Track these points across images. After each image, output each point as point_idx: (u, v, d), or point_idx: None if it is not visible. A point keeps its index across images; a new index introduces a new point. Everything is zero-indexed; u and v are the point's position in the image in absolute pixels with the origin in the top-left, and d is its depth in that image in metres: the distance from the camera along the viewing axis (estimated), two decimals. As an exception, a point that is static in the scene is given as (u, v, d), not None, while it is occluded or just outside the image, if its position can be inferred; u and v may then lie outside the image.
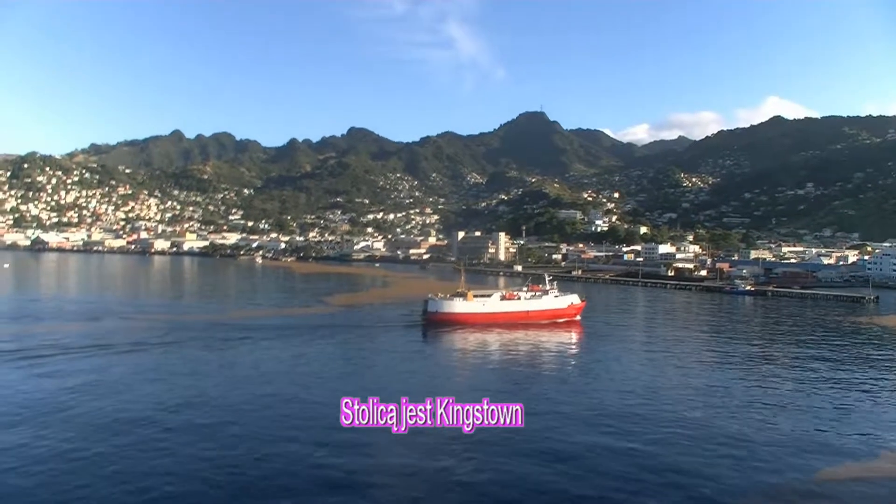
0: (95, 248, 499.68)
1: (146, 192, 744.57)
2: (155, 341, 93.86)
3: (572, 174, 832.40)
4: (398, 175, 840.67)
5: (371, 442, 49.45)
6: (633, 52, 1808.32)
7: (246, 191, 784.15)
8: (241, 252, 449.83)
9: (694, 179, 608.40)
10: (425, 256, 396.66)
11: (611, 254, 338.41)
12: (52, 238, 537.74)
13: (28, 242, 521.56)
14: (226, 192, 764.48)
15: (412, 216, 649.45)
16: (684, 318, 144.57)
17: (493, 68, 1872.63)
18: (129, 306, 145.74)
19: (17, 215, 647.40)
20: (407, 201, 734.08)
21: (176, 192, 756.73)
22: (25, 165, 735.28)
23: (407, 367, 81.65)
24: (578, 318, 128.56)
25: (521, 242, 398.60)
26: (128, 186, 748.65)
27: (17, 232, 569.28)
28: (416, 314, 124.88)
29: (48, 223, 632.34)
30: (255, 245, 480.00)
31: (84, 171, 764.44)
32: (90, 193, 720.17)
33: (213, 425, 53.54)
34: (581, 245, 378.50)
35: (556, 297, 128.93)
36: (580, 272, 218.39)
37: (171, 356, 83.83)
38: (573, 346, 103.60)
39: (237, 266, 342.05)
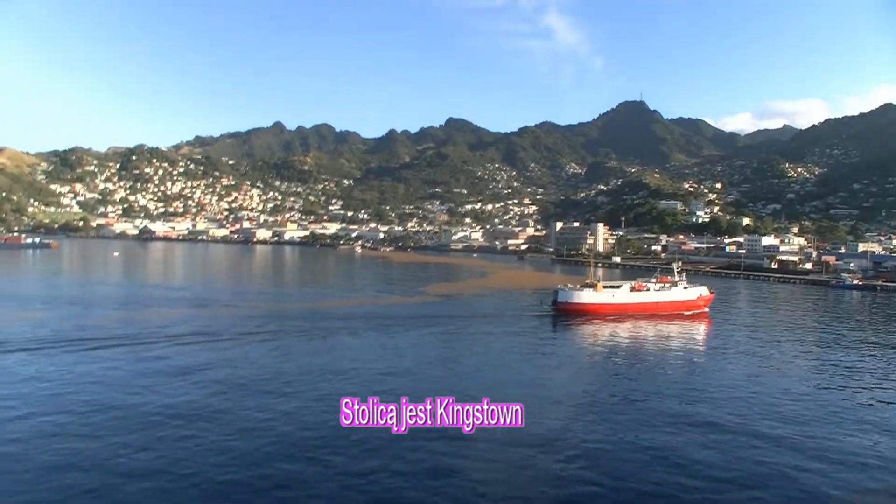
0: (200, 238, 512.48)
1: (249, 182, 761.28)
2: (257, 330, 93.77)
3: (673, 164, 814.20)
4: (496, 165, 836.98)
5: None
6: (735, 38, 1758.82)
7: (346, 181, 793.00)
8: (341, 242, 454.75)
9: (799, 169, 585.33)
10: (523, 247, 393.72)
11: (712, 245, 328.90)
12: (159, 227, 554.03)
13: (136, 231, 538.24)
14: (326, 183, 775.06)
15: (510, 206, 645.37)
16: (792, 312, 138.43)
17: (592, 58, 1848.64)
18: (233, 294, 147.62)
19: (125, 205, 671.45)
20: (505, 191, 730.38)
21: (277, 183, 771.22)
22: (134, 157, 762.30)
23: (542, 360, 79.62)
24: (707, 309, 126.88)
25: (620, 233, 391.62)
26: (231, 177, 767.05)
27: (125, 221, 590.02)
28: (545, 304, 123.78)
29: (155, 213, 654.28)
30: (354, 235, 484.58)
31: (189, 163, 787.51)
32: (195, 184, 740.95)
33: (314, 418, 52.12)
34: (681, 236, 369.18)
35: (685, 288, 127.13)
36: (680, 264, 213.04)
37: (272, 345, 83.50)
38: (701, 338, 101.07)
39: (337, 255, 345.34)
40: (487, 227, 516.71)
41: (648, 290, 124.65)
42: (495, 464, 43.11)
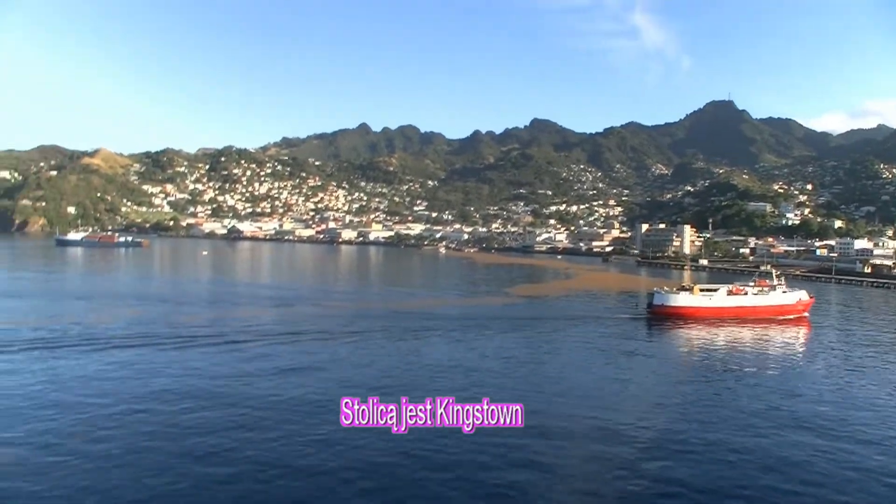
0: (286, 238, 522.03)
1: (334, 183, 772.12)
2: (342, 329, 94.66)
3: (762, 165, 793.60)
4: (581, 166, 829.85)
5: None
6: (829, 36, 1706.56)
7: (430, 182, 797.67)
8: (425, 242, 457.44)
9: (895, 171, 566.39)
10: (608, 249, 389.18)
11: (802, 248, 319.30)
12: (246, 227, 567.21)
13: (224, 231, 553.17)
14: (411, 184, 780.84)
15: (595, 208, 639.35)
16: (892, 318, 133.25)
17: (680, 57, 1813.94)
18: (319, 293, 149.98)
19: (214, 205, 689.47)
20: (590, 193, 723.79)
21: (363, 184, 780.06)
22: (223, 159, 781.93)
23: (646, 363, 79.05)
24: (807, 314, 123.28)
25: (707, 236, 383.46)
26: (317, 178, 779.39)
27: (214, 221, 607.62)
28: (640, 307, 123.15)
29: (243, 213, 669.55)
30: (438, 235, 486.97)
31: (276, 164, 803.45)
32: (282, 185, 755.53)
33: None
34: (770, 239, 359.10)
35: (784, 292, 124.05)
36: (769, 267, 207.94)
37: (355, 345, 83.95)
38: (802, 344, 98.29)
39: (421, 256, 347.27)
40: (572, 228, 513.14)
41: (746, 293, 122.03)
42: (581, 460, 43.65)
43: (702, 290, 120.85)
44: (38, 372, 64.42)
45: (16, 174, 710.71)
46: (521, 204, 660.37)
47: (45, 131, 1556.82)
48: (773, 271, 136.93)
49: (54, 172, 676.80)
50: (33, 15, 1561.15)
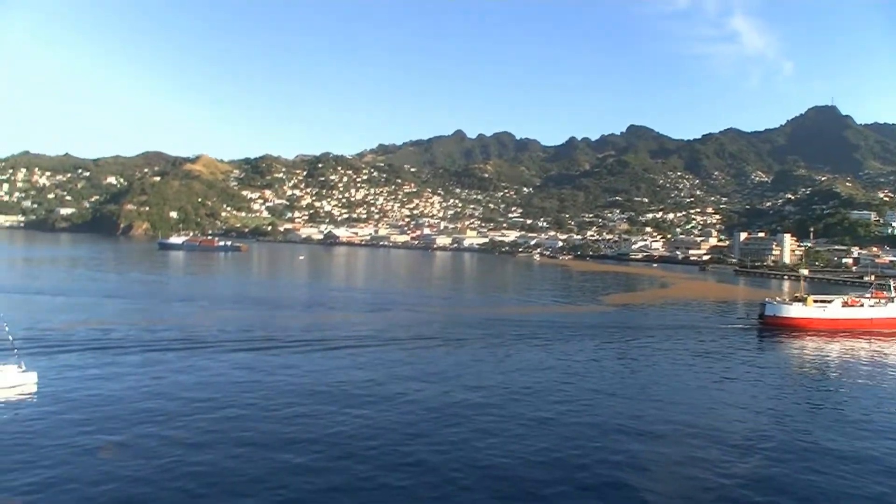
0: (381, 243, 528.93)
1: (430, 189, 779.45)
2: (436, 335, 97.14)
3: (866, 172, 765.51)
4: (678, 173, 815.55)
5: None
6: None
7: (525, 189, 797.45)
8: (520, 249, 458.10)
9: None
10: (705, 257, 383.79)
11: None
12: (343, 233, 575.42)
13: (321, 236, 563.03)
14: (505, 191, 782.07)
15: (692, 216, 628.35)
16: None
17: (780, 62, 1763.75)
18: (414, 299, 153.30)
19: (311, 211, 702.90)
20: (687, 200, 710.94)
21: (458, 190, 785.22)
22: (320, 165, 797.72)
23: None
24: None
25: (808, 245, 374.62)
26: (412, 184, 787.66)
27: (311, 226, 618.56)
28: (751, 317, 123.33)
29: (339, 219, 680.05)
30: (533, 242, 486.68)
31: (372, 170, 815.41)
32: (378, 191, 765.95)
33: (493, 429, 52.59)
34: (875, 249, 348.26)
35: None
36: (872, 278, 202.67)
37: (451, 351, 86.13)
38: None
39: (515, 263, 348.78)
40: (668, 236, 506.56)
41: (862, 305, 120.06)
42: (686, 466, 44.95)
43: (816, 301, 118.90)
44: (141, 374, 67.78)
45: (121, 179, 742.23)
46: (617, 211, 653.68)
47: (150, 138, 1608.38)
48: (892, 283, 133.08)
49: (158, 178, 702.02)
50: (136, 28, 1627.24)
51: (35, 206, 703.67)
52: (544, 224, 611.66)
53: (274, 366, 73.46)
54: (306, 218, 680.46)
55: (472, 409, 57.78)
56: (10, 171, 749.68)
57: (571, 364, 79.84)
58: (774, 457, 47.29)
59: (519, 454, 46.08)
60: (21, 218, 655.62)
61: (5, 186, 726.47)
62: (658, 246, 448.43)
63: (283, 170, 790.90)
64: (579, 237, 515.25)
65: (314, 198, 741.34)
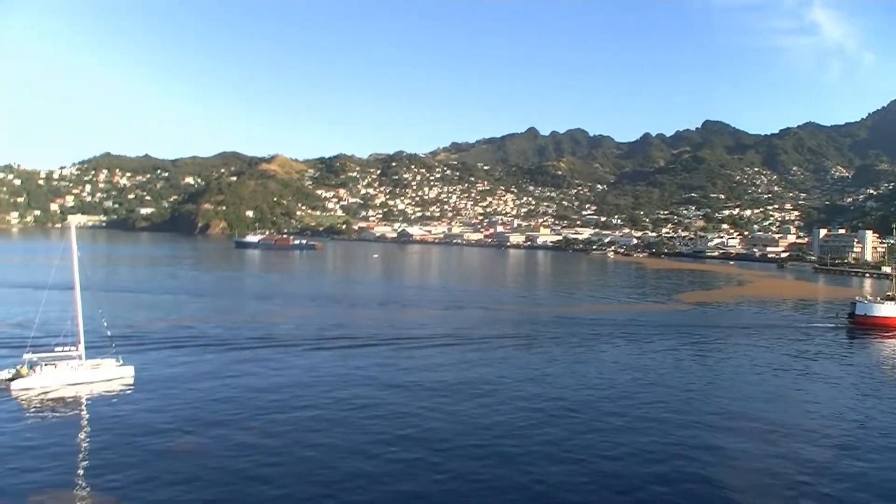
0: (455, 241, 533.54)
1: (503, 187, 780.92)
2: (509, 333, 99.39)
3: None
4: (755, 169, 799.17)
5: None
6: None
7: (599, 186, 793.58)
8: (594, 247, 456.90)
9: None
10: (783, 255, 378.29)
11: None
12: (416, 231, 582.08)
13: (394, 234, 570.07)
14: (579, 188, 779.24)
15: (770, 212, 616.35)
16: None
17: (860, 53, 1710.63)
18: (487, 297, 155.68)
19: (385, 209, 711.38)
20: (764, 196, 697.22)
21: (531, 188, 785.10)
22: (393, 164, 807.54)
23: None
24: None
25: (892, 242, 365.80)
26: (486, 182, 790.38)
27: (385, 225, 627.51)
28: (840, 316, 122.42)
29: (413, 217, 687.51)
30: (607, 240, 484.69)
31: (446, 169, 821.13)
32: (451, 189, 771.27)
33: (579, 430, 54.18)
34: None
35: None
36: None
37: (526, 350, 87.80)
38: None
39: (589, 261, 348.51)
40: (745, 233, 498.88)
41: None
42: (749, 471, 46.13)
43: None
44: (227, 369, 71.98)
45: (199, 179, 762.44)
46: (693, 208, 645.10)
47: (227, 139, 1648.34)
48: None
49: (234, 178, 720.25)
50: (211, 31, 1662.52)
51: (116, 206, 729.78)
52: (618, 221, 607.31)
53: (354, 364, 76.21)
54: (380, 216, 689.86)
55: (558, 409, 59.55)
56: (93, 172, 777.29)
57: (650, 363, 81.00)
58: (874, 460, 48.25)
59: (619, 452, 48.21)
60: (103, 218, 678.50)
61: (88, 187, 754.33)
62: (734, 243, 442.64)
63: (358, 169, 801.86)
64: (654, 234, 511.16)
65: (388, 196, 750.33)
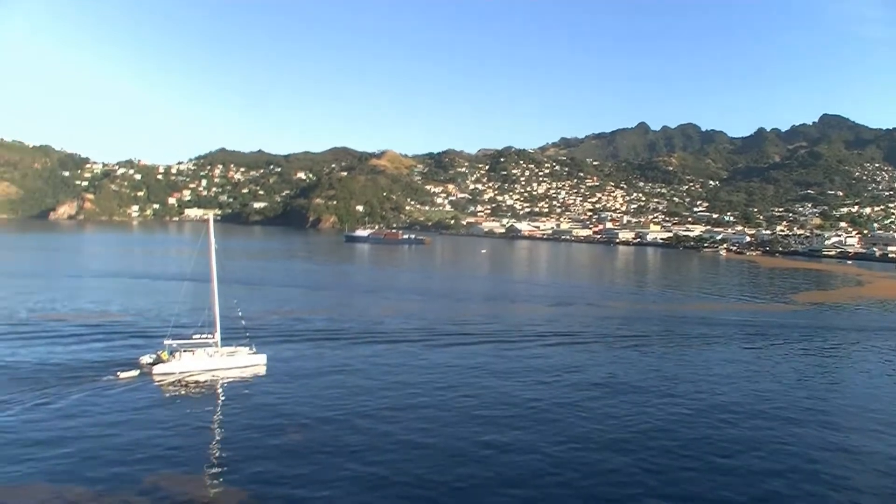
0: (563, 237, 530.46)
1: (612, 183, 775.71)
2: (618, 332, 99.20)
3: None
4: (876, 165, 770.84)
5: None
6: None
7: (711, 182, 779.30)
8: (705, 245, 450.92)
9: None
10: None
11: None
12: (524, 226, 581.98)
13: (503, 230, 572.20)
14: (690, 184, 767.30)
15: (892, 210, 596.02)
16: None
17: None
18: (596, 294, 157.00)
19: (493, 205, 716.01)
20: (885, 193, 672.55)
21: (641, 184, 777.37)
22: (502, 159, 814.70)
23: None
24: None
25: None
26: (595, 178, 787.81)
27: (493, 220, 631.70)
28: None
29: (521, 212, 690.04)
30: (719, 237, 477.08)
31: (554, 164, 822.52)
32: (559, 185, 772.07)
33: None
34: None
35: None
36: None
37: (636, 350, 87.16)
38: None
39: (700, 258, 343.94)
40: (864, 231, 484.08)
41: None
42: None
43: None
44: (347, 361, 75.19)
45: (310, 175, 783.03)
46: (809, 205, 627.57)
47: (337, 135, 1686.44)
48: None
49: (345, 173, 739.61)
50: (323, 29, 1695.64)
51: (230, 200, 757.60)
52: (731, 218, 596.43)
53: (471, 360, 77.86)
54: (488, 212, 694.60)
55: (678, 416, 59.36)
56: (209, 167, 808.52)
57: (767, 366, 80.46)
58: None
59: (748, 463, 48.15)
60: (218, 211, 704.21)
61: (204, 182, 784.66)
62: (853, 242, 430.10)
63: (466, 164, 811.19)
64: (768, 232, 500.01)
65: (496, 192, 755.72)
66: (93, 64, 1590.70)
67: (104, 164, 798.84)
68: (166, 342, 69.14)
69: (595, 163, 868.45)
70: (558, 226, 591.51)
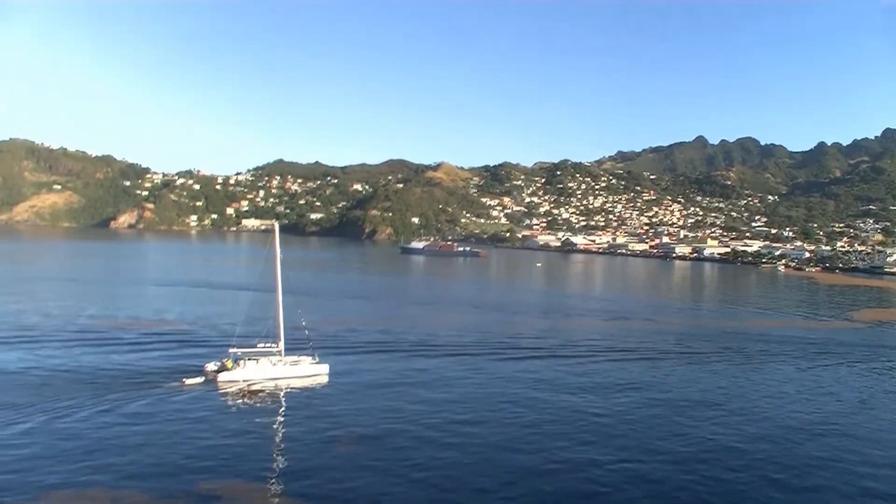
0: (619, 251, 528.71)
1: (669, 197, 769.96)
2: (675, 348, 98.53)
3: None
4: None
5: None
6: None
7: (770, 197, 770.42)
8: (763, 260, 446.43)
9: None
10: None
11: None
12: (580, 240, 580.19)
13: (558, 243, 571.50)
14: (749, 199, 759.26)
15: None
16: None
17: None
18: (652, 309, 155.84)
19: (549, 218, 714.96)
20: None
21: (699, 198, 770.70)
22: (558, 172, 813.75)
23: None
24: None
25: None
26: (652, 192, 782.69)
27: (549, 234, 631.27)
28: None
29: (577, 226, 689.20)
30: (777, 253, 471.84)
31: (611, 178, 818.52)
32: (616, 198, 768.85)
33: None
34: None
35: None
36: None
37: (692, 366, 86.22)
38: None
39: (758, 274, 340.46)
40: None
41: None
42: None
43: None
44: (406, 374, 75.39)
45: (367, 186, 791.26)
46: (871, 221, 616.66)
47: (394, 147, 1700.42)
48: None
49: (401, 185, 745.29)
50: (383, 42, 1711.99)
51: (287, 210, 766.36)
52: (790, 234, 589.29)
53: (530, 375, 77.23)
54: (544, 225, 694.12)
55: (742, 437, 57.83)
56: (266, 178, 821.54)
57: (827, 384, 79.49)
58: None
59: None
60: (275, 222, 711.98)
61: (261, 192, 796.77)
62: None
63: (522, 177, 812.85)
64: (828, 248, 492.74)
65: (552, 205, 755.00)
66: (156, 78, 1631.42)
67: (164, 175, 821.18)
68: (231, 350, 70.78)
69: (652, 176, 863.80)
70: (614, 240, 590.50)
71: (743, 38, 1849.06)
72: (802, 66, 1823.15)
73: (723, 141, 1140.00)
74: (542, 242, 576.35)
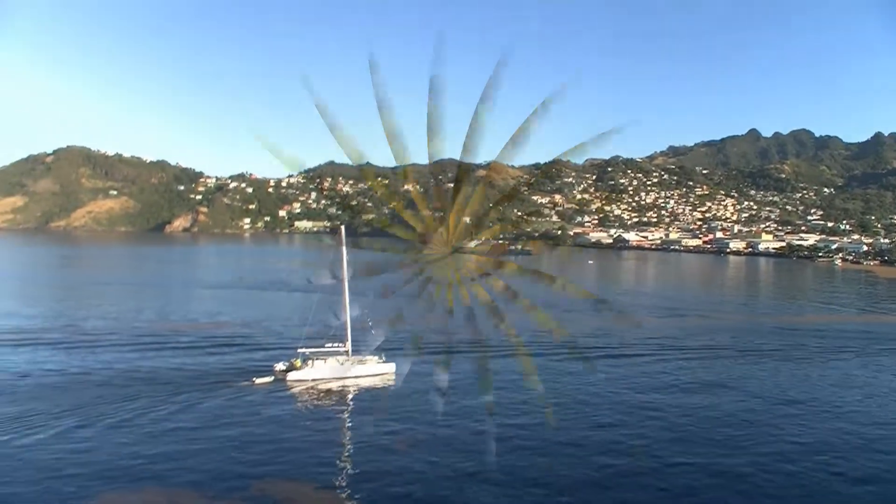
0: (672, 247, 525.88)
1: (722, 192, 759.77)
2: (733, 345, 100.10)
3: None
4: None
5: None
6: None
7: (825, 190, 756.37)
8: (819, 254, 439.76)
9: None
10: None
11: None
12: (632, 237, 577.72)
13: (610, 240, 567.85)
14: (804, 192, 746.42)
15: None
16: None
17: None
18: (707, 305, 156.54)
19: (601, 215, 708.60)
20: None
21: (752, 192, 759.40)
22: (609, 169, 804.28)
23: None
24: None
25: None
26: (705, 187, 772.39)
27: (601, 231, 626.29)
28: None
29: (629, 222, 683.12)
30: (834, 247, 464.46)
31: (663, 173, 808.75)
32: (668, 194, 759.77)
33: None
34: None
35: None
36: None
37: (749, 364, 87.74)
38: None
39: (814, 268, 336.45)
40: None
41: None
42: None
43: None
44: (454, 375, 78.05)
45: (417, 186, 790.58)
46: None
47: (443, 145, 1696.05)
48: None
49: (451, 185, 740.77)
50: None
51: (339, 212, 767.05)
52: (847, 227, 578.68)
53: (593, 376, 79.38)
54: (596, 222, 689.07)
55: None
56: (318, 179, 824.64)
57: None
58: None
59: None
60: (327, 223, 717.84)
61: (313, 195, 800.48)
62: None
63: (573, 174, 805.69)
64: (887, 241, 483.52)
65: (604, 202, 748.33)
66: (210, 81, 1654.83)
67: (217, 178, 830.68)
68: (299, 350, 73.40)
69: (704, 171, 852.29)
70: (667, 235, 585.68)
71: (795, 28, 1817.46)
72: (855, 55, 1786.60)
73: (776, 133, 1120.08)
74: (594, 239, 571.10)
